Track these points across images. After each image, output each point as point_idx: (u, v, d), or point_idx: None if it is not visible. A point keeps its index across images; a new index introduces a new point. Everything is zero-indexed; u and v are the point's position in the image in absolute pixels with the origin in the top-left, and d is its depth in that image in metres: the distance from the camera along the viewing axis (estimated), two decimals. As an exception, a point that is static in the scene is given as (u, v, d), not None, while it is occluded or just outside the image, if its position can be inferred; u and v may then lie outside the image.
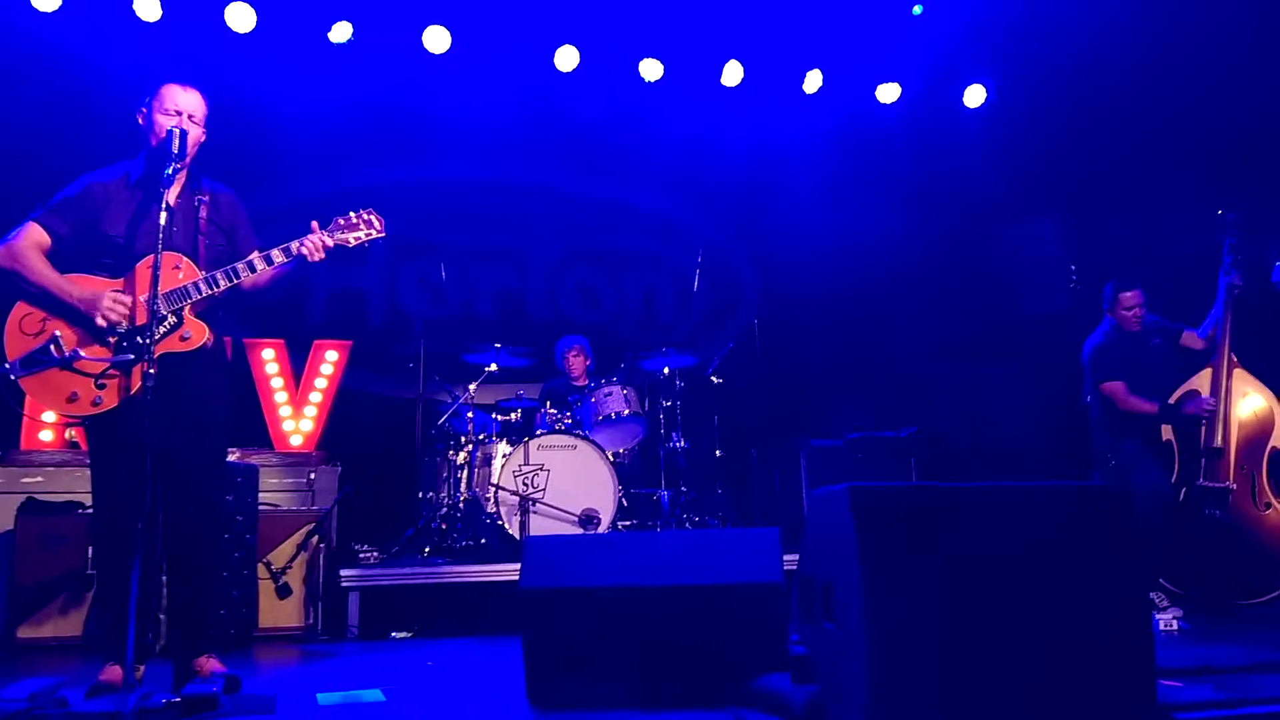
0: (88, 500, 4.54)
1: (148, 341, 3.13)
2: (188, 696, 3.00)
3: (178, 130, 3.38)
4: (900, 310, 8.00)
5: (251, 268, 3.43)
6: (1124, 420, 5.43)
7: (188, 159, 3.49)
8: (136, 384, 3.25)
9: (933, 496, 2.69)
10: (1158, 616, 4.77)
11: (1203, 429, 5.25)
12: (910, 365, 7.77)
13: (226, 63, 6.59)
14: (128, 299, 3.33)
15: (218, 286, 3.39)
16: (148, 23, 6.38)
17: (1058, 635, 2.59)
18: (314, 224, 3.52)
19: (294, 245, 3.46)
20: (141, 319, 3.32)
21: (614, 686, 3.09)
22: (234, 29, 6.54)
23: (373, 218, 3.60)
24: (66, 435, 5.67)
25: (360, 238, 3.58)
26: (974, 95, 7.79)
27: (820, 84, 7.66)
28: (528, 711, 3.10)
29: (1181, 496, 5.23)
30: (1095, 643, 2.59)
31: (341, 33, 6.75)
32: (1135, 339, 5.55)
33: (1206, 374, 5.35)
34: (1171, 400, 5.37)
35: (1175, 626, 4.66)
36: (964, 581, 2.59)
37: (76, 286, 3.33)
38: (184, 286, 3.35)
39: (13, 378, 3.27)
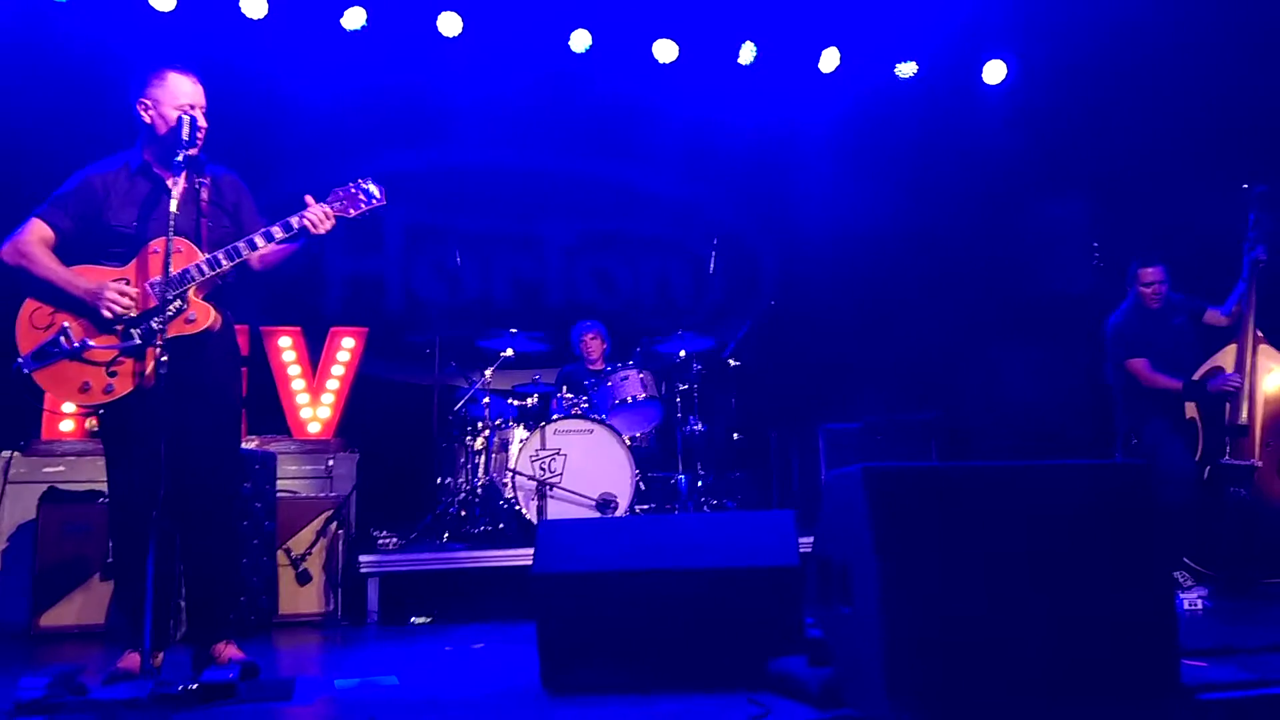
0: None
1: (157, 326, 3.14)
2: (205, 683, 3.00)
3: (188, 118, 3.38)
4: (920, 290, 7.92)
5: (252, 245, 3.41)
6: (1147, 399, 5.36)
7: (199, 145, 3.48)
8: (147, 369, 3.26)
9: (947, 477, 2.65)
10: (1182, 596, 4.72)
11: (1227, 406, 5.17)
12: (930, 346, 7.70)
13: (240, 50, 6.61)
14: (132, 290, 3.34)
15: (220, 267, 3.38)
16: (161, 12, 6.40)
17: (1078, 616, 2.55)
18: (308, 198, 3.48)
19: (293, 220, 3.44)
20: (146, 305, 3.32)
21: (629, 671, 3.08)
22: (247, 15, 6.54)
23: (371, 186, 3.55)
24: (87, 425, 5.71)
25: (361, 207, 3.54)
26: (994, 71, 7.68)
27: (837, 62, 7.59)
28: (542, 696, 3.09)
29: (1206, 475, 5.17)
30: (1117, 623, 2.56)
31: (355, 19, 6.75)
32: (1158, 316, 5.47)
33: (1231, 350, 5.27)
34: (1196, 377, 5.29)
35: (1200, 606, 4.61)
36: (981, 562, 2.56)
37: (81, 278, 3.34)
38: (186, 269, 3.34)
39: (26, 371, 3.29)
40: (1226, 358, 5.27)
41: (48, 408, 5.47)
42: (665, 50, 7.37)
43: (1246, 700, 2.54)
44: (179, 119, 3.38)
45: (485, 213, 7.94)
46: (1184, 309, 5.52)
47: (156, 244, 3.35)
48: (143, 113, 3.49)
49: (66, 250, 3.41)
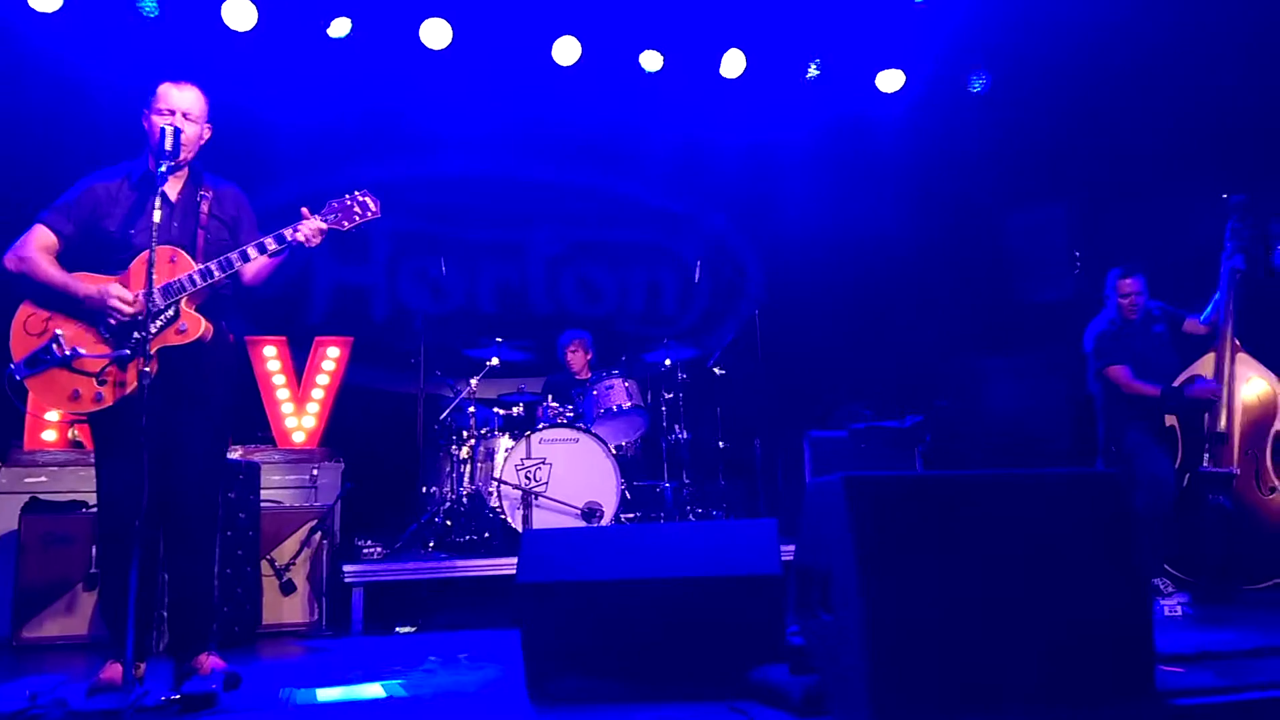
0: (92, 499, 4.55)
1: (144, 336, 3.14)
2: (186, 694, 3.01)
3: (170, 128, 3.38)
4: (904, 299, 7.97)
5: (245, 256, 3.42)
6: (1127, 407, 5.40)
7: (183, 156, 3.48)
8: (135, 379, 3.26)
9: (928, 485, 2.68)
10: (1162, 603, 4.75)
11: (1206, 414, 5.22)
12: (914, 355, 7.74)
13: (226, 61, 6.60)
14: (130, 294, 3.35)
15: (212, 277, 3.38)
16: (148, 19, 6.39)
17: (1055, 622, 2.59)
18: (304, 210, 3.49)
19: (287, 232, 3.44)
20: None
21: (613, 680, 3.09)
22: (233, 27, 6.54)
23: (367, 199, 3.56)
24: (70, 435, 5.70)
25: (356, 219, 3.55)
26: (977, 81, 7.73)
27: (821, 74, 7.63)
28: (527, 706, 3.10)
29: (1185, 482, 5.21)
30: (1094, 629, 2.59)
31: (340, 28, 6.76)
32: (1137, 326, 5.51)
33: (1209, 359, 5.32)
34: (1175, 385, 5.33)
35: (1180, 612, 4.65)
36: (960, 570, 2.59)
37: (84, 284, 3.35)
38: (179, 279, 3.35)
39: (18, 378, 3.30)
40: (1205, 366, 5.32)
41: (30, 411, 5.45)
42: (651, 61, 7.40)
43: (1220, 705, 2.57)
44: (162, 130, 3.39)
45: (471, 222, 7.96)
46: (1163, 318, 5.55)
47: (147, 253, 3.36)
48: (143, 122, 3.54)
49: (67, 257, 3.42)
